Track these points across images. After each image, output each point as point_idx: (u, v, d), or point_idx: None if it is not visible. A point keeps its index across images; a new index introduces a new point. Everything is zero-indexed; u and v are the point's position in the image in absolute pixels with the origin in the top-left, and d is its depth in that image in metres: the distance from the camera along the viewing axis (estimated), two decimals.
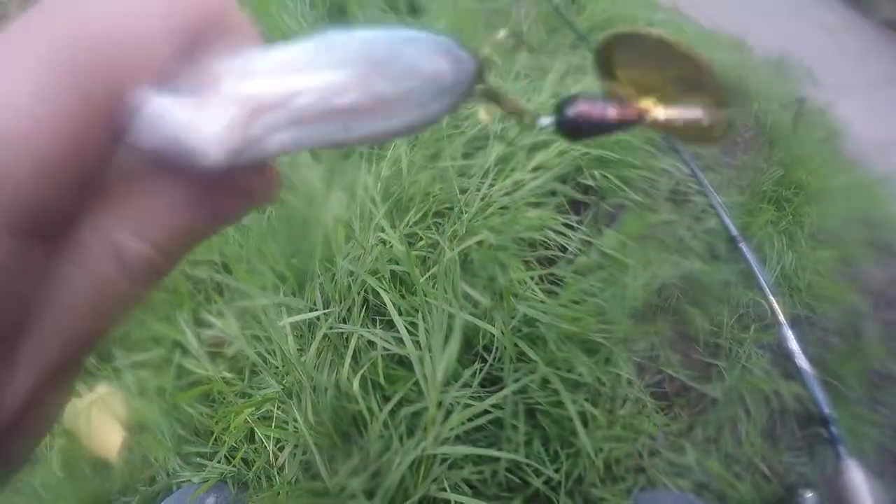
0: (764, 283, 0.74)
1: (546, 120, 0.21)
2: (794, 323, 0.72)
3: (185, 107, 0.13)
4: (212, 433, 0.80)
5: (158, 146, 0.13)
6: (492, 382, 0.82)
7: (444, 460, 0.73)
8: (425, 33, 0.15)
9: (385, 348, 0.80)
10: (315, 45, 0.14)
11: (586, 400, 0.85)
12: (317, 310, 0.84)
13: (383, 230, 0.88)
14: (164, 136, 0.13)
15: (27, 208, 0.12)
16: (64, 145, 0.12)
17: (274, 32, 1.25)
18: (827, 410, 0.85)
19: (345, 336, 0.83)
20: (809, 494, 0.86)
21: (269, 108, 0.14)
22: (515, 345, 0.82)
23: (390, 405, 0.74)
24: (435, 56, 0.15)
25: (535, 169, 1.02)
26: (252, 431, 0.79)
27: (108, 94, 0.13)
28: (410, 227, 0.92)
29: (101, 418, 0.84)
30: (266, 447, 0.77)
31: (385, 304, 0.81)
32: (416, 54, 0.15)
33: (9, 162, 0.11)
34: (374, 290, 0.84)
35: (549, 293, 0.92)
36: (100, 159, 0.13)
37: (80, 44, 0.12)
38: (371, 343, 0.82)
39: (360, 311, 0.84)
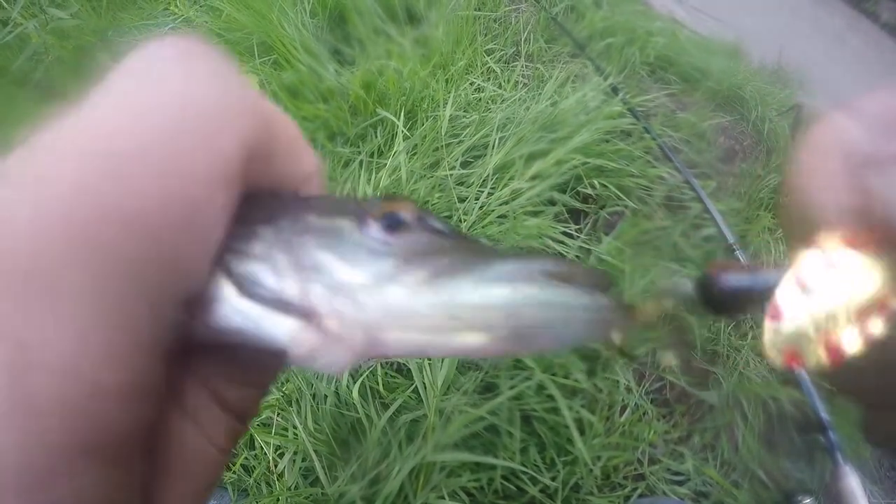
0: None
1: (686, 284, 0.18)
2: None
3: (285, 323, 0.12)
4: None
5: (240, 341, 0.13)
6: (487, 389, 0.82)
7: (442, 468, 0.73)
8: (586, 300, 0.14)
9: None
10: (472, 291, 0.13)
11: (583, 406, 0.85)
12: None
13: None
14: (255, 339, 0.13)
15: (107, 435, 0.11)
16: (123, 378, 0.11)
17: (274, 41, 1.27)
18: (824, 416, 0.85)
19: None
20: (807, 501, 0.86)
21: (396, 335, 0.12)
22: None
23: (389, 412, 0.74)
24: (586, 331, 0.14)
25: (533, 178, 1.03)
26: (252, 438, 0.80)
27: (165, 293, 0.11)
28: None
29: None
30: (266, 454, 0.78)
31: None
32: (567, 328, 0.13)
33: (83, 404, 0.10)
34: None
35: None
36: (167, 365, 0.12)
37: (120, 254, 0.10)
38: None
39: None
